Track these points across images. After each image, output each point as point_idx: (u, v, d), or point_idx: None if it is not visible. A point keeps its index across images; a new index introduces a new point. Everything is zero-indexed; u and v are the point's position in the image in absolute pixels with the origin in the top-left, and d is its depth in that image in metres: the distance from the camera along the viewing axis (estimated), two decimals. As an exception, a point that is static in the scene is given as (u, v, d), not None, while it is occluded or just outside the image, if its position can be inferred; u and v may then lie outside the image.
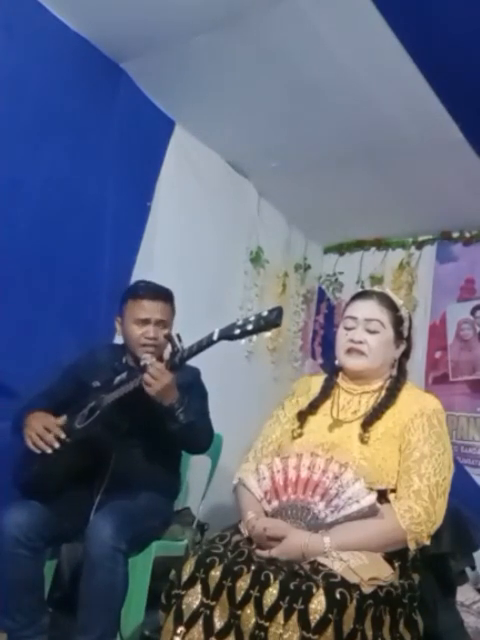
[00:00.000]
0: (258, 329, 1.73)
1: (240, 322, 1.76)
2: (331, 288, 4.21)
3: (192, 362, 1.99)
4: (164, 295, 2.18)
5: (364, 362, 1.76)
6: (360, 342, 1.75)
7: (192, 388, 2.15)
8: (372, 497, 1.52)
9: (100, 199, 2.68)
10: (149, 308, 2.12)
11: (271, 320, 1.70)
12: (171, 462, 2.22)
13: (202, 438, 2.13)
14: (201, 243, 3.23)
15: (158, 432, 2.00)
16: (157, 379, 1.89)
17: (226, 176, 3.45)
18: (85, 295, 2.57)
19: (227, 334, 1.78)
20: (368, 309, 1.78)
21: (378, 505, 1.53)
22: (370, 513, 1.52)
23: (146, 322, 2.11)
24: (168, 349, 2.03)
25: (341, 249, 4.24)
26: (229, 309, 3.32)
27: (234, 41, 2.51)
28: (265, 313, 1.73)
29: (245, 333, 1.74)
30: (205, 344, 1.83)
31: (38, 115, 2.43)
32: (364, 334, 1.75)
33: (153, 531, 2.07)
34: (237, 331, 1.75)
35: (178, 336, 1.94)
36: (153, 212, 2.96)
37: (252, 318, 1.75)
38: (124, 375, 2.02)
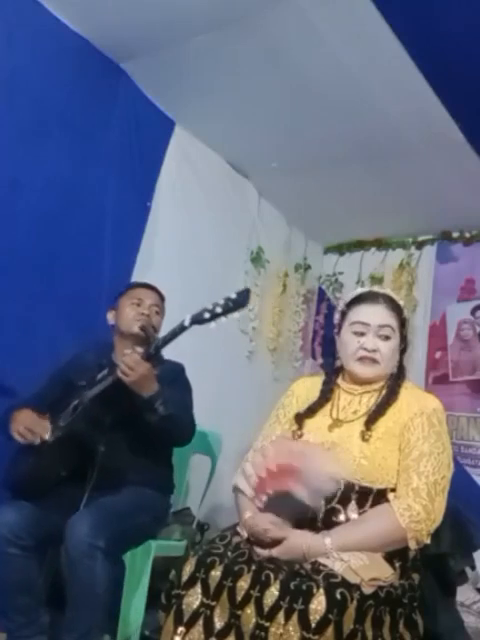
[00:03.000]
0: (227, 311, 1.79)
1: (210, 306, 1.82)
2: (331, 288, 4.20)
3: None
4: (157, 290, 2.27)
5: (377, 370, 1.73)
6: (374, 350, 1.71)
7: (176, 382, 2.16)
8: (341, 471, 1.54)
9: (100, 199, 2.68)
10: (143, 294, 2.23)
11: (239, 301, 1.78)
12: (161, 456, 2.18)
13: (182, 431, 2.10)
14: (201, 243, 3.23)
15: (143, 426, 2.00)
16: (133, 369, 1.91)
17: (226, 176, 3.45)
18: (85, 295, 2.57)
19: (198, 319, 1.83)
20: (379, 315, 1.72)
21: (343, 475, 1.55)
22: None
23: (140, 303, 2.20)
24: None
25: (341, 249, 4.24)
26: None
27: (234, 41, 2.51)
28: (233, 295, 1.80)
29: (215, 316, 1.80)
30: (178, 331, 1.88)
31: (38, 115, 2.43)
32: (377, 341, 1.71)
33: (144, 527, 2.05)
34: (207, 315, 1.81)
35: (153, 328, 2.03)
36: (153, 212, 2.96)
37: (221, 301, 1.81)
38: (106, 371, 2.03)
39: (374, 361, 1.72)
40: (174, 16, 2.40)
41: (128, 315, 2.19)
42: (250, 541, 1.56)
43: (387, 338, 1.71)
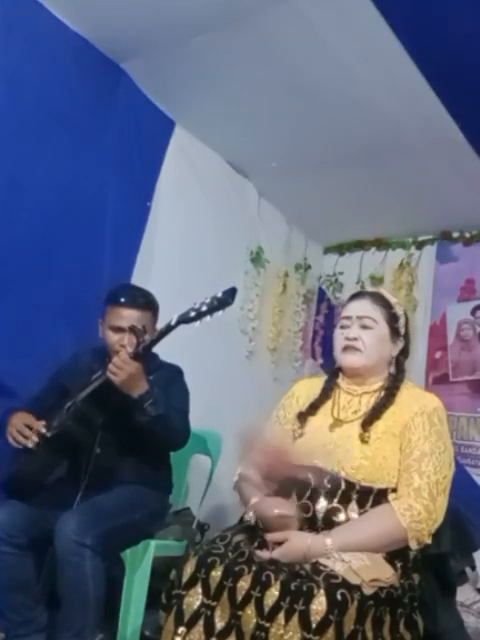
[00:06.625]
0: (212, 310, 1.83)
1: (196, 305, 1.85)
2: (331, 288, 4.20)
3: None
4: (143, 303, 2.15)
5: (359, 358, 1.76)
6: (354, 339, 1.76)
7: (171, 385, 2.16)
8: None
9: (100, 199, 2.68)
10: (126, 316, 2.10)
11: (224, 300, 1.83)
12: (157, 455, 2.17)
13: (175, 434, 2.08)
14: (201, 243, 3.23)
15: (135, 427, 2.00)
16: (121, 368, 1.91)
17: (226, 176, 3.45)
18: (85, 295, 2.57)
19: (185, 318, 1.86)
20: (360, 308, 1.80)
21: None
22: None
23: (121, 330, 2.11)
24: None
25: (341, 249, 4.23)
26: (229, 309, 3.31)
27: (234, 41, 2.51)
28: (220, 294, 1.84)
29: (200, 315, 1.84)
30: (165, 331, 1.90)
31: (38, 115, 2.42)
32: (358, 331, 1.77)
33: (138, 525, 2.05)
34: (193, 314, 1.85)
35: (144, 327, 2.01)
36: (153, 212, 2.95)
37: (207, 300, 1.84)
38: (99, 373, 2.03)
39: (356, 349, 1.76)
40: (174, 16, 2.40)
41: (109, 341, 2.15)
42: (251, 540, 1.56)
43: (368, 328, 1.76)
